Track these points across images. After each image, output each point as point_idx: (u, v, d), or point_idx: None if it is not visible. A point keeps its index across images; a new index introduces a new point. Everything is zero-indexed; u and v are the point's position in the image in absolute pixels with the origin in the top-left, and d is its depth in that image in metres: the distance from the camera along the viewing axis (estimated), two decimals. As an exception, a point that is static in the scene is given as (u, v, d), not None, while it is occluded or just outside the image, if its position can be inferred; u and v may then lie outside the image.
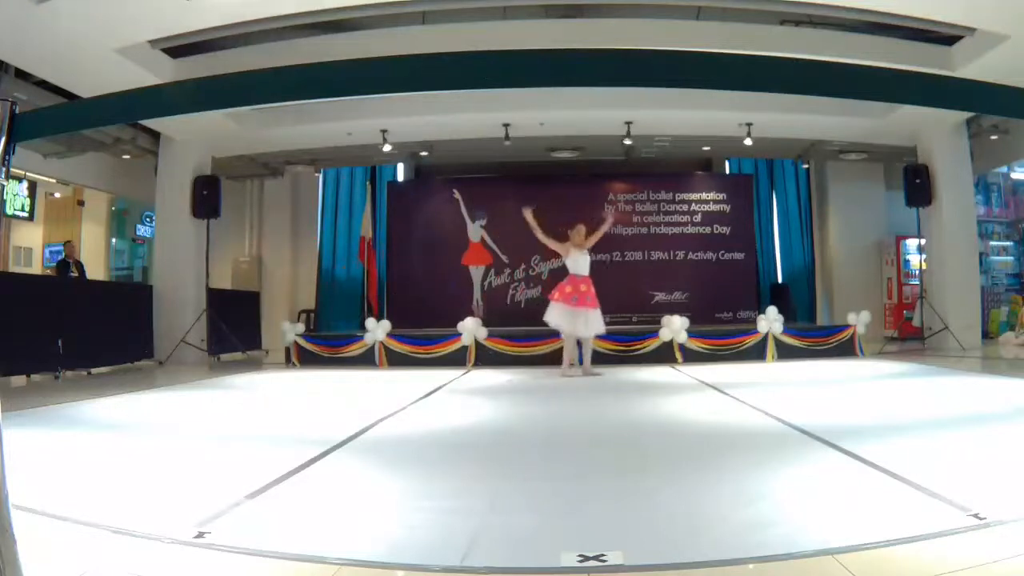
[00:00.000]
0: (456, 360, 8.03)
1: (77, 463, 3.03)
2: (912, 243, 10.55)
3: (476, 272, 11.18)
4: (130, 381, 6.75)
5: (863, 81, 1.31)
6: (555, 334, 7.23)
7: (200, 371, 7.88)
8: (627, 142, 9.52)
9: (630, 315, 10.36)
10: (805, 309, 11.73)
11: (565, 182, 11.40)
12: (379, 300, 11.24)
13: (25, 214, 12.07)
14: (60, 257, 10.21)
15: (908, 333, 9.99)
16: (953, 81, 1.33)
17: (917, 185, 9.23)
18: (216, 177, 9.46)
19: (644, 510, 2.23)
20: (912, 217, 9.59)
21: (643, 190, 11.42)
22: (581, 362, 6.86)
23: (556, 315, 6.71)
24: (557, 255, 7.24)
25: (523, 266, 11.10)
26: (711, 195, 11.46)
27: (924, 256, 9.69)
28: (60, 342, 6.72)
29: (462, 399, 5.36)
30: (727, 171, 12.29)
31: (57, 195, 12.75)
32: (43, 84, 7.22)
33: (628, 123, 9.06)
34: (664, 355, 8.01)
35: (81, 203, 12.73)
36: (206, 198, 9.18)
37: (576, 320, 6.62)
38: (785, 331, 8.25)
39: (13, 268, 11.71)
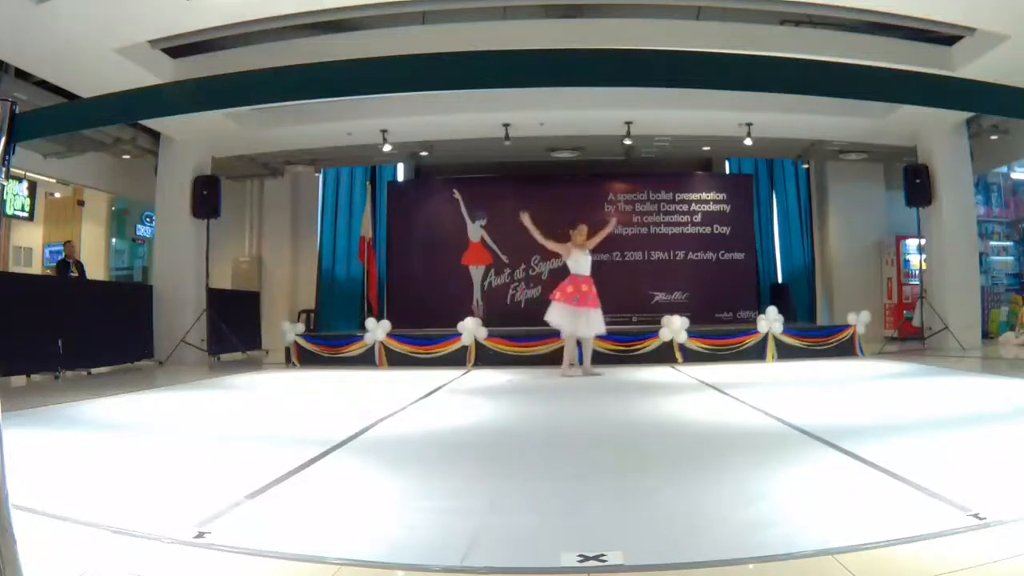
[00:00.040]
0: (456, 360, 8.03)
1: (77, 463, 3.03)
2: (912, 243, 10.55)
3: (476, 272, 11.18)
4: (130, 381, 6.75)
5: (863, 81, 1.31)
6: (555, 334, 7.23)
7: (200, 371, 7.88)
8: (627, 142, 9.52)
9: (630, 315, 10.36)
10: (805, 309, 11.73)
11: (565, 182, 11.41)
12: (379, 300, 11.24)
13: (25, 214, 12.07)
14: (60, 257, 10.21)
15: (908, 333, 9.99)
16: (953, 81, 1.33)
17: (917, 185, 9.23)
18: (216, 177, 9.46)
19: (644, 510, 2.23)
20: (912, 217, 9.59)
21: (643, 190, 11.41)
22: (581, 362, 6.87)
23: (557, 315, 6.71)
24: (557, 255, 7.24)
25: (523, 266, 11.10)
26: (711, 195, 11.46)
27: (924, 256, 9.69)
28: (60, 342, 6.71)
29: (462, 399, 5.36)
30: (727, 171, 12.29)
31: (57, 195, 12.75)
32: (43, 84, 7.22)
33: (628, 123, 9.06)
34: (664, 355, 8.01)
35: (81, 203, 12.73)
36: (206, 198, 9.19)
37: (577, 320, 6.63)
38: (785, 331, 8.25)
39: (13, 268, 11.71)
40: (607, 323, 6.97)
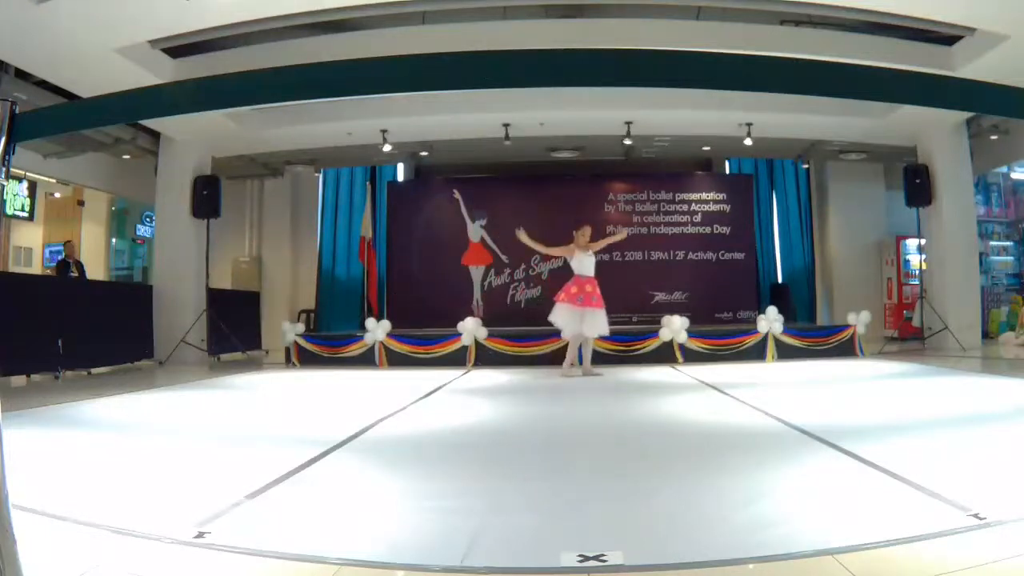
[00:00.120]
0: (456, 360, 8.03)
1: (77, 463, 3.03)
2: (912, 243, 10.54)
3: (476, 272, 11.18)
4: (130, 381, 6.75)
5: (863, 81, 1.31)
6: (555, 334, 7.23)
7: (200, 371, 7.88)
8: (627, 142, 9.52)
9: (630, 315, 10.35)
10: (805, 309, 11.73)
11: (565, 182, 11.42)
12: (379, 300, 11.25)
13: (25, 214, 12.07)
14: (60, 257, 10.21)
15: (908, 333, 9.99)
16: (953, 81, 1.33)
17: (917, 185, 9.23)
18: (216, 177, 9.46)
19: (644, 510, 2.23)
20: (912, 217, 9.59)
21: (643, 190, 11.41)
22: (581, 362, 6.87)
23: (561, 316, 6.73)
24: (559, 257, 7.27)
25: (523, 266, 11.10)
26: (711, 195, 11.46)
27: (924, 256, 9.69)
28: (60, 342, 6.72)
29: (462, 399, 5.36)
30: (727, 171, 12.28)
31: (57, 195, 12.75)
32: (43, 84, 7.21)
33: (628, 123, 9.06)
34: (664, 355, 8.01)
35: (81, 203, 12.73)
36: (206, 198, 9.19)
37: (582, 320, 6.64)
38: (785, 331, 8.25)
39: (13, 268, 11.71)
40: (608, 323, 6.98)
